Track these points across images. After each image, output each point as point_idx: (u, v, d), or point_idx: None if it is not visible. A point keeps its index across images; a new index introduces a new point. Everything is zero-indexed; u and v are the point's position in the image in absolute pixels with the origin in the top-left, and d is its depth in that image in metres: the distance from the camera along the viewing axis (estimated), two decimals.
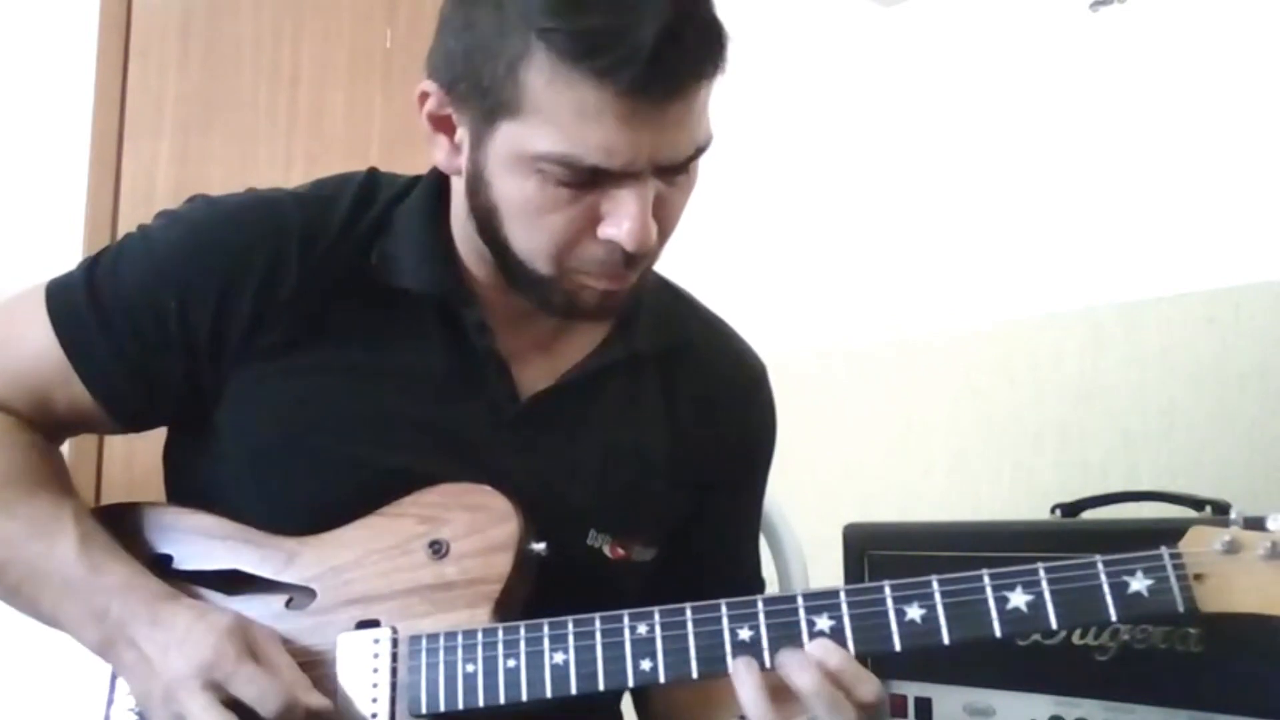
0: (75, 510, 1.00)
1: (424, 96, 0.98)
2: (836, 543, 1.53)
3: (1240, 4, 1.77)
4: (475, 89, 0.92)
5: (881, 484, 2.12)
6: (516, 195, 0.93)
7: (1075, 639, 1.29)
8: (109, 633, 0.94)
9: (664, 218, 0.96)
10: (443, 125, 0.98)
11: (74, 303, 1.03)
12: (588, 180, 0.91)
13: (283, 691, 0.90)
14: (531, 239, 0.95)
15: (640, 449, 1.10)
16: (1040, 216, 1.99)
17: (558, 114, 0.88)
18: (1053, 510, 1.55)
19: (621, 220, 0.92)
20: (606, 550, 1.06)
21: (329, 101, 2.85)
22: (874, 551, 1.48)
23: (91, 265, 1.05)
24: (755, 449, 1.21)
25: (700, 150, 0.95)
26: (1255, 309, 1.69)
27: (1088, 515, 1.53)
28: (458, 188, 1.02)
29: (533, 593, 0.99)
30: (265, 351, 1.02)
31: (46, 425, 1.05)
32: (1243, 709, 1.18)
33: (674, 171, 0.95)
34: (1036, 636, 1.31)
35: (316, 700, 0.91)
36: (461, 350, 1.04)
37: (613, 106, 0.87)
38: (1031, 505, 1.76)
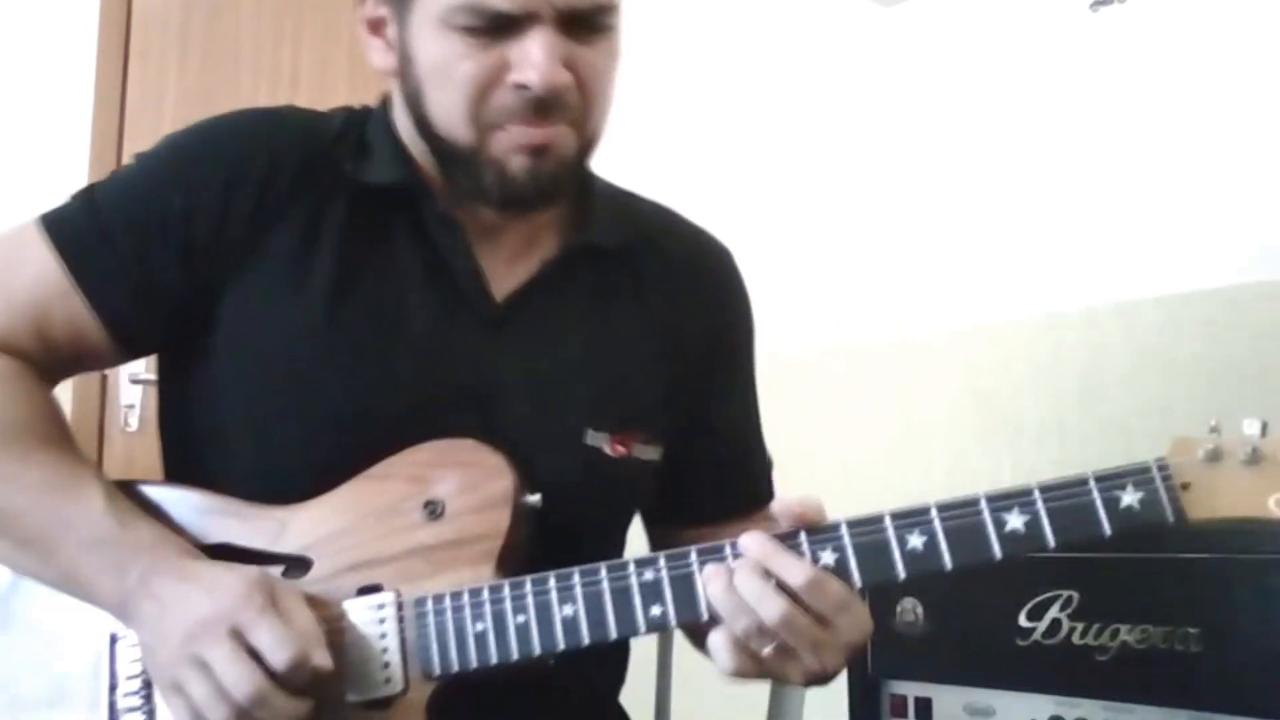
0: (95, 470, 1.02)
1: (358, 1, 1.05)
2: None
3: (1240, 4, 1.77)
4: None
5: (881, 484, 2.12)
6: (435, 57, 0.99)
7: (1075, 639, 1.29)
8: (131, 586, 0.94)
9: (585, 76, 1.00)
10: (377, 27, 1.06)
11: (73, 220, 1.04)
12: (493, 28, 0.97)
13: (295, 644, 0.89)
14: (448, 98, 1.00)
15: (620, 342, 1.11)
16: (1040, 216, 1.99)
17: None
18: None
19: (526, 62, 0.97)
20: (606, 448, 1.06)
21: (329, 101, 2.84)
22: None
23: (89, 190, 1.07)
24: (734, 328, 1.22)
25: (603, 6, 1.00)
26: (1255, 309, 1.69)
27: None
28: (398, 89, 1.07)
29: (546, 516, 0.98)
30: (262, 258, 1.03)
31: (46, 358, 1.04)
32: (1243, 709, 1.18)
33: (585, 26, 0.99)
34: (1037, 636, 1.31)
35: (324, 660, 0.91)
36: (437, 255, 1.06)
37: None
38: None
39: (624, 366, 1.10)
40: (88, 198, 1.06)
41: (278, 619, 0.90)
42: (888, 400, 2.15)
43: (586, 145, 1.06)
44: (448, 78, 0.99)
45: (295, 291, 1.03)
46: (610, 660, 1.13)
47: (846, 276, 2.29)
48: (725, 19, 2.51)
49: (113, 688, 0.97)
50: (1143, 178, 1.86)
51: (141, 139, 2.65)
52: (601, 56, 1.02)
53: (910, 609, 1.38)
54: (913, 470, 2.08)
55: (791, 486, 1.23)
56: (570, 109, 1.00)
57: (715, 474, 1.17)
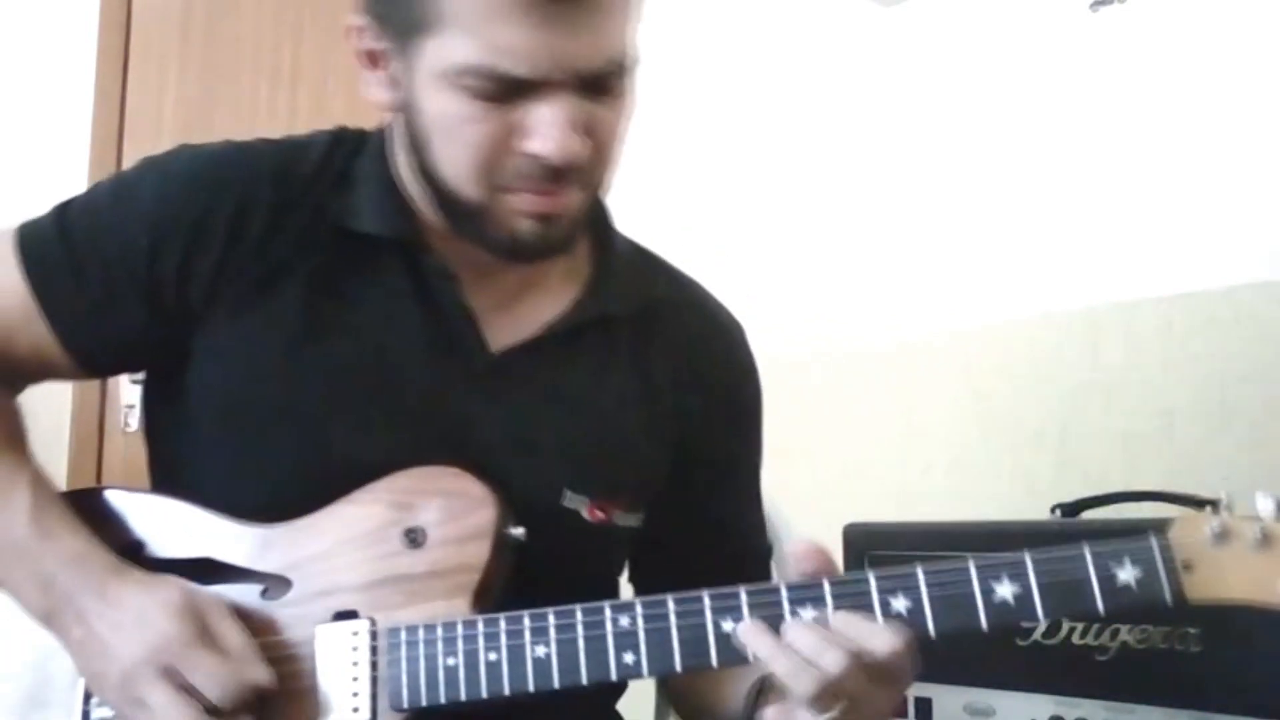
0: (32, 476, 0.99)
1: (354, 32, 0.99)
2: (836, 543, 1.53)
3: (1240, 4, 1.77)
4: (395, 10, 0.93)
5: (881, 484, 2.12)
6: (441, 114, 0.93)
7: (1075, 639, 1.29)
8: (55, 602, 0.93)
9: (598, 138, 0.95)
10: (375, 60, 0.99)
11: (44, 240, 1.02)
12: (507, 92, 0.91)
13: (229, 676, 0.89)
14: (456, 157, 0.95)
15: (614, 408, 1.08)
16: (1039, 216, 1.99)
17: (471, 20, 0.89)
18: (1053, 510, 1.55)
19: (539, 130, 0.91)
20: (584, 512, 1.03)
21: (329, 101, 2.85)
22: (874, 551, 1.48)
23: (64, 206, 1.04)
24: (736, 406, 1.17)
25: (620, 66, 0.94)
26: (1255, 309, 1.69)
27: (1088, 515, 1.53)
28: (399, 127, 1.02)
29: (517, 569, 0.97)
30: (228, 303, 1.00)
31: (6, 370, 1.03)
32: (1243, 709, 1.18)
33: (598, 89, 0.93)
34: (1037, 636, 1.31)
35: (261, 675, 0.90)
36: (428, 301, 1.03)
37: (522, 6, 0.88)
38: (1031, 505, 1.76)
39: (614, 432, 1.07)
40: (60, 218, 1.03)
41: (208, 652, 0.90)
42: (888, 400, 2.15)
43: (595, 199, 1.03)
44: (456, 137, 0.94)
45: (268, 335, 1.00)
46: None
47: (846, 277, 2.29)
48: (726, 19, 2.51)
49: (87, 697, 0.97)
50: (1143, 178, 1.86)
51: (141, 139, 2.66)
52: (617, 115, 0.97)
53: None
54: (913, 470, 2.08)
55: (792, 486, 1.23)
56: (583, 173, 0.96)
57: (699, 548, 1.13)
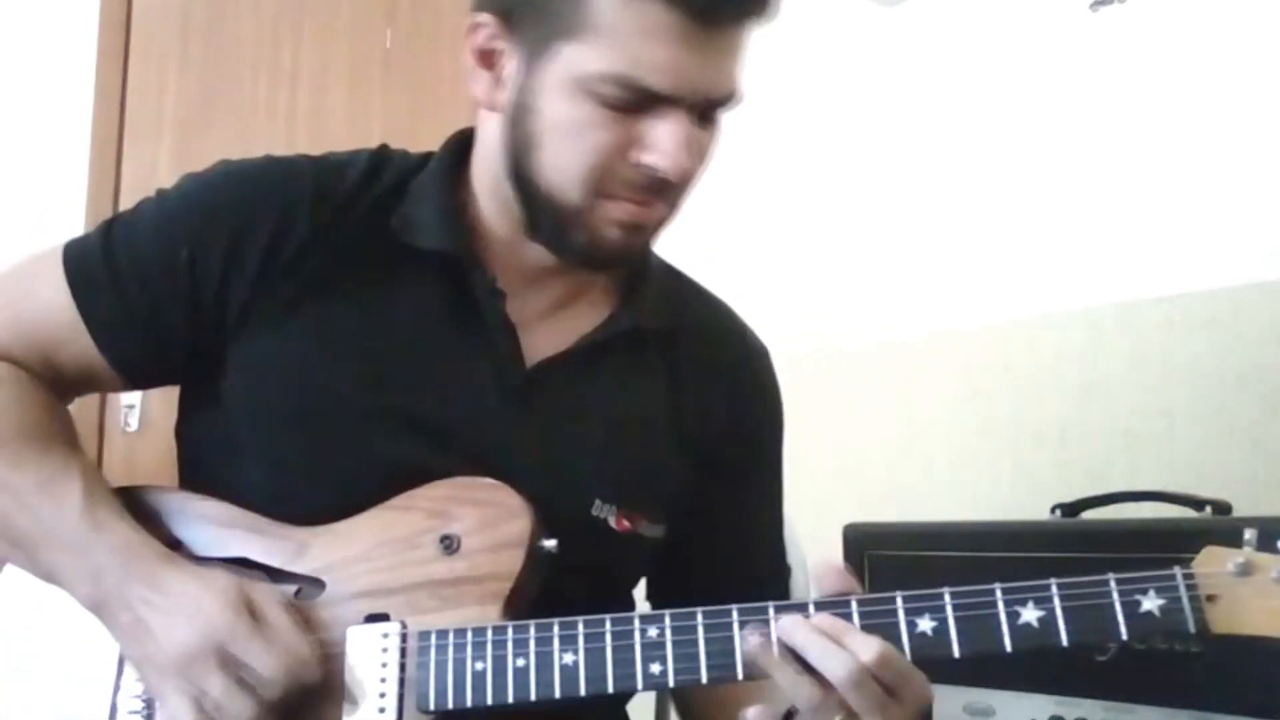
0: (84, 469, 1.01)
1: (475, 28, 1.01)
2: (836, 543, 1.53)
3: (1240, 4, 1.77)
4: (535, 13, 0.97)
5: (881, 484, 2.12)
6: (564, 117, 0.97)
7: None
8: (104, 591, 0.95)
9: (696, 162, 1.00)
10: (488, 59, 1.01)
11: (88, 256, 1.05)
12: (637, 104, 0.95)
13: (287, 671, 0.91)
14: (570, 161, 0.98)
15: (644, 421, 1.10)
16: (1039, 216, 1.99)
17: (624, 33, 0.93)
18: (1053, 510, 1.55)
19: (663, 146, 0.96)
20: (612, 521, 1.05)
21: (329, 101, 2.85)
22: (874, 552, 1.48)
23: (109, 224, 1.07)
24: (761, 429, 1.20)
25: (736, 98, 1.00)
26: (1255, 309, 1.69)
27: (1088, 515, 1.53)
28: (487, 132, 1.05)
29: (546, 581, 0.98)
30: (268, 315, 1.03)
31: (53, 382, 1.06)
32: (1243, 709, 1.18)
33: (708, 115, 1.00)
34: None
35: (312, 675, 0.92)
36: (471, 314, 1.05)
37: (679, 28, 0.93)
38: (1031, 505, 1.76)
39: (642, 446, 1.09)
40: (106, 234, 1.06)
41: (265, 645, 0.91)
42: (887, 400, 2.15)
43: (669, 221, 1.06)
44: (574, 141, 0.97)
45: (306, 345, 1.03)
46: None
47: (846, 276, 2.29)
48: None
49: (116, 689, 0.98)
50: (1143, 178, 1.86)
51: (141, 139, 2.66)
52: (711, 142, 1.03)
53: None
54: (913, 470, 2.08)
55: (792, 486, 1.23)
56: (676, 191, 1.01)
57: (718, 566, 1.15)
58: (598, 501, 1.05)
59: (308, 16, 2.88)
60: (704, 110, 0.99)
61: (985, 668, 1.36)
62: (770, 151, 2.43)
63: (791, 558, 1.44)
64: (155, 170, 2.67)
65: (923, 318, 2.14)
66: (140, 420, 2.53)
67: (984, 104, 2.09)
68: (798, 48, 2.42)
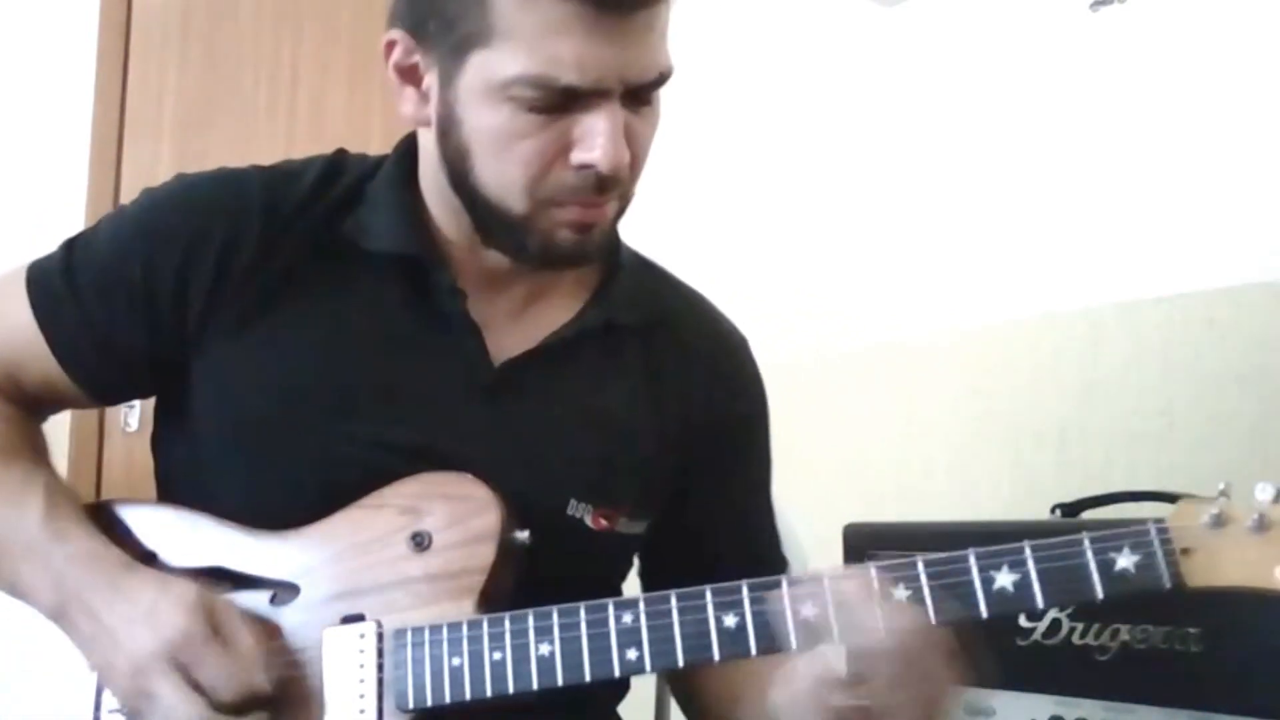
0: (46, 480, 1.02)
1: (390, 46, 0.99)
2: (836, 543, 1.53)
3: (1240, 4, 1.77)
4: (442, 25, 0.94)
5: (881, 484, 2.12)
6: (489, 127, 0.94)
7: (1075, 639, 1.29)
8: (65, 599, 0.95)
9: (635, 149, 0.97)
10: (409, 75, 0.99)
11: (49, 278, 1.04)
12: (559, 103, 0.92)
13: (238, 677, 0.90)
14: (504, 172, 0.96)
15: (619, 418, 1.09)
16: (1039, 216, 1.99)
17: (528, 33, 0.90)
18: (1053, 510, 1.55)
19: (594, 141, 0.93)
20: (588, 520, 1.04)
21: (329, 101, 2.85)
22: (874, 551, 1.48)
23: (71, 243, 1.07)
24: (744, 417, 1.18)
25: (664, 76, 0.96)
26: (1255, 309, 1.69)
27: (1088, 515, 1.53)
28: (426, 142, 1.03)
29: (522, 573, 0.98)
30: (227, 326, 1.02)
31: (22, 401, 1.06)
32: (1243, 709, 1.18)
33: (640, 99, 0.96)
34: (1037, 636, 1.31)
35: (261, 682, 0.92)
36: (434, 316, 1.04)
37: (579, 19, 0.90)
38: (1031, 505, 1.76)
39: (619, 441, 1.08)
40: (67, 254, 1.06)
41: (220, 651, 0.91)
42: (888, 400, 2.15)
43: (624, 210, 1.04)
44: (505, 151, 0.95)
45: (269, 354, 1.02)
46: None
47: (846, 276, 2.29)
48: (726, 19, 2.51)
49: (97, 703, 0.98)
50: (1143, 178, 1.86)
51: (141, 139, 2.66)
52: (650, 125, 0.99)
53: None
54: (913, 470, 2.08)
55: (792, 486, 1.23)
56: (620, 184, 0.98)
57: (707, 557, 1.13)
58: (573, 501, 1.04)
59: (307, 16, 2.88)
60: (630, 95, 0.95)
61: (985, 668, 1.36)
62: (770, 151, 2.43)
63: (791, 558, 1.44)
64: (155, 170, 2.67)
65: (923, 318, 2.14)
66: (140, 420, 2.53)
67: (984, 104, 2.09)
68: (798, 48, 2.43)
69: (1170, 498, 1.45)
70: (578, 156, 0.94)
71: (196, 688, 0.90)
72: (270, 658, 0.94)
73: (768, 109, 2.43)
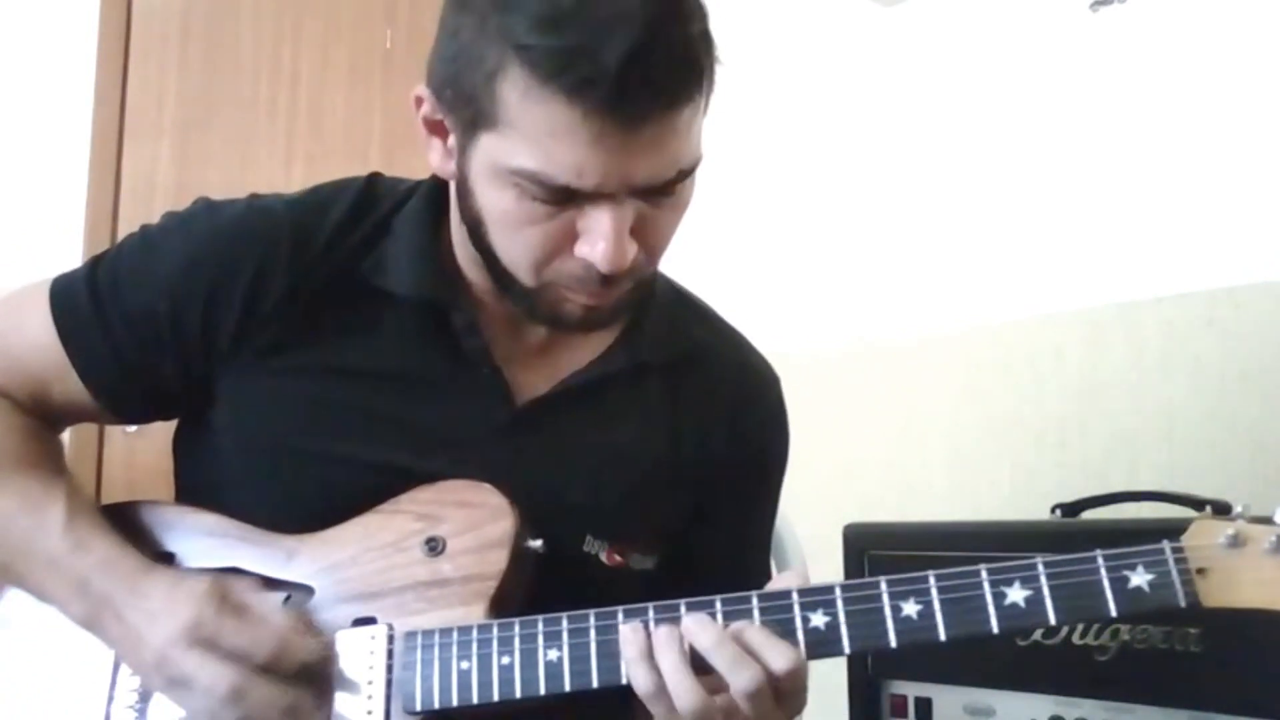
0: (66, 490, 1.02)
1: (419, 101, 0.99)
2: (836, 542, 1.53)
3: (1240, 4, 1.77)
4: (459, 97, 0.92)
5: (881, 484, 2.12)
6: (496, 206, 0.94)
7: (1075, 639, 1.29)
8: (93, 606, 0.96)
9: (651, 239, 0.95)
10: (436, 129, 0.98)
11: (75, 299, 1.05)
12: (563, 198, 0.90)
13: (272, 638, 0.91)
14: (512, 249, 0.96)
15: (639, 455, 1.09)
16: (1039, 216, 1.99)
17: (531, 130, 0.88)
18: (1053, 510, 1.55)
19: (595, 241, 0.91)
20: (603, 556, 1.05)
21: (329, 101, 2.85)
22: (874, 551, 1.48)
23: (94, 264, 1.07)
24: (760, 459, 1.19)
25: (684, 173, 0.94)
26: (1255, 309, 1.69)
27: (1088, 515, 1.53)
28: (453, 197, 1.03)
29: (531, 597, 0.99)
30: (254, 354, 1.03)
31: (43, 414, 1.07)
32: (1243, 709, 1.18)
33: (655, 194, 0.93)
34: (1037, 636, 1.31)
35: (310, 646, 0.92)
36: (455, 355, 1.05)
37: (582, 126, 0.86)
38: (1031, 505, 1.76)
39: (636, 480, 1.09)
40: (91, 275, 1.06)
41: (237, 619, 0.92)
42: (887, 400, 2.15)
43: (645, 284, 1.03)
44: (512, 232, 0.94)
45: (293, 387, 1.03)
46: None
47: (846, 277, 2.29)
48: (726, 19, 2.51)
49: (113, 683, 0.99)
50: (1143, 178, 1.86)
51: (141, 139, 2.66)
52: (673, 213, 0.97)
53: None
54: (913, 470, 2.09)
55: (792, 486, 1.23)
56: (634, 272, 0.95)
57: (703, 583, 1.11)
58: (589, 537, 1.05)
59: (308, 16, 2.88)
60: (647, 190, 0.92)
61: (985, 668, 1.36)
62: (770, 151, 2.43)
63: (791, 558, 1.44)
64: (155, 170, 2.68)
65: (923, 318, 2.14)
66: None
67: (984, 104, 2.09)
68: (798, 48, 2.43)
69: (1170, 498, 1.45)
70: (580, 250, 0.92)
71: (227, 658, 0.90)
72: (306, 625, 0.95)
73: (767, 108, 2.43)
